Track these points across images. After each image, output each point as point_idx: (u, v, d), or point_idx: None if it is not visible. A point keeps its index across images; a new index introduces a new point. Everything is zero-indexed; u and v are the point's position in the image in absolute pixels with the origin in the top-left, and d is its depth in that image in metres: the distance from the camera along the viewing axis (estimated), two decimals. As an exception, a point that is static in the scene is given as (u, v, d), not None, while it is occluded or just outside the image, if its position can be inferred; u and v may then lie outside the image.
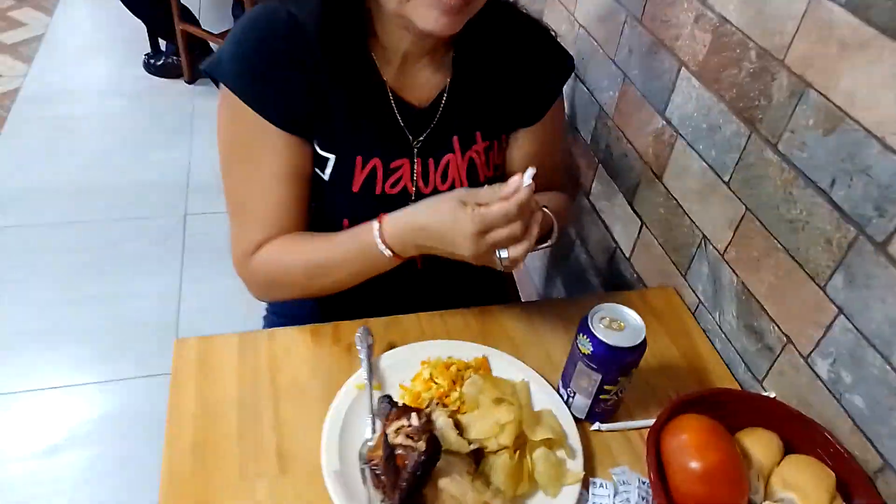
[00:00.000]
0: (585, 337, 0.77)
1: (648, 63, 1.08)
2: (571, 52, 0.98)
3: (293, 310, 1.08)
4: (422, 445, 0.68)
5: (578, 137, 1.37)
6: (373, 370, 0.84)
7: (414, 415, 0.72)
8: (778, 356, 0.85)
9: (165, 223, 2.26)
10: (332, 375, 0.84)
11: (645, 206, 1.14)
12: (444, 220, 0.75)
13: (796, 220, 0.80)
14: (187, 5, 2.82)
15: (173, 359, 0.86)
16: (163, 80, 3.02)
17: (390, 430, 0.71)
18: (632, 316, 0.78)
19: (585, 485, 0.76)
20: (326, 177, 0.89)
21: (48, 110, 2.74)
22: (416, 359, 0.87)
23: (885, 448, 0.71)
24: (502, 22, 0.89)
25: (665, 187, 1.07)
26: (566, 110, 1.32)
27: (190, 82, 3.00)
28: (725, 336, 0.95)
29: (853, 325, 0.73)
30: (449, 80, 0.90)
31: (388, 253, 0.80)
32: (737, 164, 0.89)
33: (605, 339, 0.75)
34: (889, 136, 0.66)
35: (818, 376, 0.79)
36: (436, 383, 0.83)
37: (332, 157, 0.88)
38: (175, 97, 2.90)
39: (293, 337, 0.91)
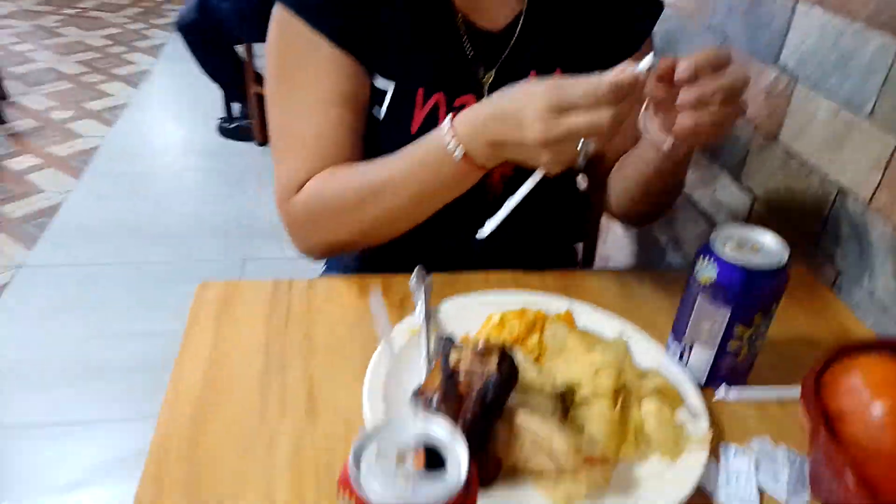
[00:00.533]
0: (708, 260, 0.59)
1: (753, 12, 0.95)
2: (659, 32, 0.87)
3: (343, 264, 0.94)
4: (492, 367, 0.51)
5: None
6: (430, 316, 0.68)
7: (481, 341, 0.55)
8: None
9: (223, 267, 2.19)
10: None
11: (756, 177, 0.97)
12: (515, 95, 0.60)
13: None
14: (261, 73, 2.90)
15: (192, 303, 0.72)
16: (235, 142, 3.07)
17: (451, 359, 0.54)
18: (768, 236, 0.61)
19: (715, 454, 0.57)
20: (381, 115, 0.77)
21: (123, 166, 2.79)
22: (483, 309, 0.70)
23: None
24: None
25: (783, 147, 0.90)
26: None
27: (261, 144, 3.04)
28: (882, 306, 0.75)
29: None
30: (525, 4, 0.79)
31: (457, 153, 0.64)
32: (881, 88, 0.73)
33: (735, 261, 0.58)
34: None
35: None
36: (504, 327, 0.66)
37: (391, 86, 0.76)
38: (245, 157, 2.94)
39: (335, 287, 0.76)
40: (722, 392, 0.63)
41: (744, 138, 0.98)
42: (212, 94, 3.06)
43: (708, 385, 0.64)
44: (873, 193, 0.75)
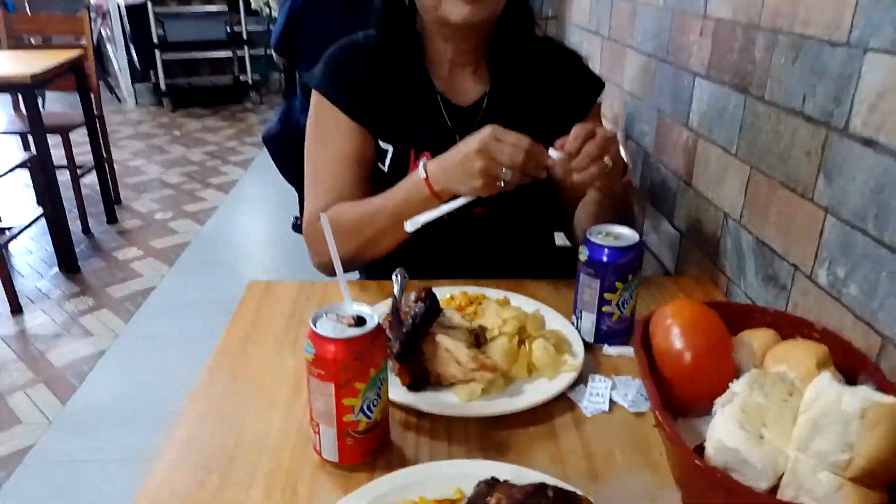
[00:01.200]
0: (584, 247, 0.85)
1: (674, 88, 1.23)
2: (623, 116, 1.15)
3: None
4: (420, 303, 0.77)
5: (632, 186, 1.49)
6: (403, 293, 0.95)
7: (423, 291, 0.81)
8: (791, 289, 0.86)
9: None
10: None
11: (681, 216, 1.21)
12: (468, 137, 0.88)
13: (784, 151, 0.86)
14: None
15: (243, 294, 1.02)
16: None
17: (401, 302, 0.81)
18: (626, 230, 0.86)
19: (585, 382, 0.79)
20: (386, 168, 1.08)
21: (209, 255, 3.24)
22: (444, 294, 0.96)
23: (881, 324, 0.69)
24: (537, 45, 1.07)
25: (694, 189, 1.15)
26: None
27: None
28: (750, 299, 0.96)
29: (838, 217, 0.76)
30: (489, 87, 1.10)
31: (421, 174, 0.91)
32: (740, 131, 0.98)
33: (598, 242, 0.83)
34: (834, 34, 0.76)
35: (821, 287, 0.79)
36: (454, 301, 0.92)
37: (390, 148, 1.07)
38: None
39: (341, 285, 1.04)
40: (606, 348, 0.86)
41: (674, 187, 1.23)
42: (290, 198, 3.54)
43: (597, 342, 0.87)
44: (741, 212, 0.98)
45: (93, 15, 5.40)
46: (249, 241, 3.48)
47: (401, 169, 1.06)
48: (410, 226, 0.89)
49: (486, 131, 0.85)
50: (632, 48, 1.45)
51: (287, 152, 3.44)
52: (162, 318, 2.64)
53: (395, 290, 0.94)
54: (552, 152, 0.85)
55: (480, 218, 1.05)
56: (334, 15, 2.88)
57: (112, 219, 3.52)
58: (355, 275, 1.25)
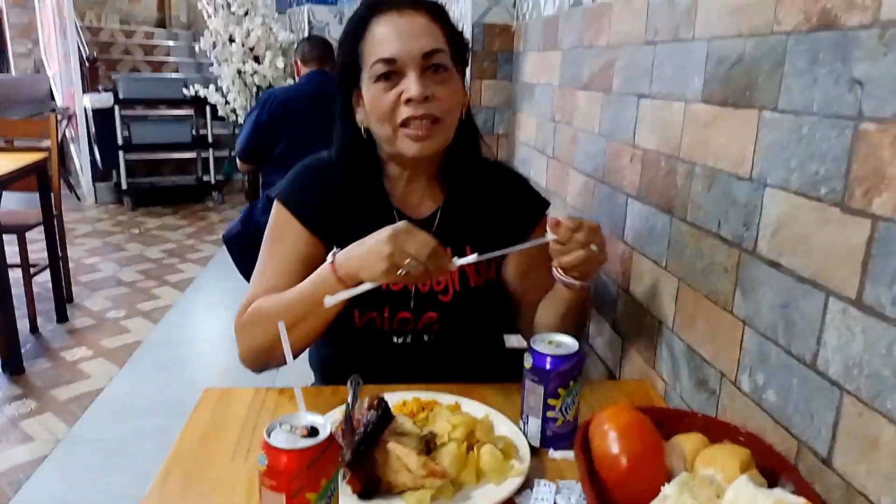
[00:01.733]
0: (528, 353, 0.91)
1: (610, 206, 1.34)
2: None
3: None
4: (372, 411, 0.81)
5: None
6: (356, 400, 0.98)
7: (376, 399, 0.85)
8: (719, 394, 0.93)
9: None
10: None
11: (622, 321, 1.29)
12: (379, 231, 0.93)
13: (707, 267, 0.96)
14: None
15: (198, 401, 1.04)
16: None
17: (355, 409, 0.84)
18: (567, 339, 0.92)
19: (532, 486, 0.82)
20: None
21: (162, 353, 3.19)
22: (398, 399, 0.99)
23: (796, 428, 0.76)
24: (486, 167, 1.17)
25: (631, 296, 1.23)
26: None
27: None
28: (686, 403, 1.02)
29: (754, 329, 0.84)
30: (442, 202, 1.18)
31: (329, 259, 0.97)
32: (668, 247, 1.08)
33: (541, 351, 0.89)
34: (739, 169, 0.87)
35: (744, 393, 0.86)
36: (406, 407, 0.95)
37: None
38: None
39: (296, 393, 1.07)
40: (552, 452, 0.90)
41: (613, 293, 1.32)
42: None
43: (543, 446, 0.91)
44: (673, 320, 1.06)
45: (59, 116, 5.51)
46: (204, 341, 3.44)
47: None
48: (329, 300, 0.93)
49: (400, 225, 0.92)
50: (574, 168, 1.58)
51: (247, 252, 3.49)
52: (109, 423, 2.56)
53: (349, 397, 0.98)
54: (549, 234, 0.94)
55: (431, 343, 1.12)
56: (297, 124, 3.02)
57: (63, 317, 3.45)
58: (310, 379, 1.27)
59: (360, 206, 1.13)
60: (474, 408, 0.98)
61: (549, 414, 0.90)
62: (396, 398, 0.98)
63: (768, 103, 0.81)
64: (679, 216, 1.05)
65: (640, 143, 1.20)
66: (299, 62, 3.21)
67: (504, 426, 0.94)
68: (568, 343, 0.91)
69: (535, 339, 0.92)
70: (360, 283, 0.93)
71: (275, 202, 1.15)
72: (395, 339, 1.12)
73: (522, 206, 1.18)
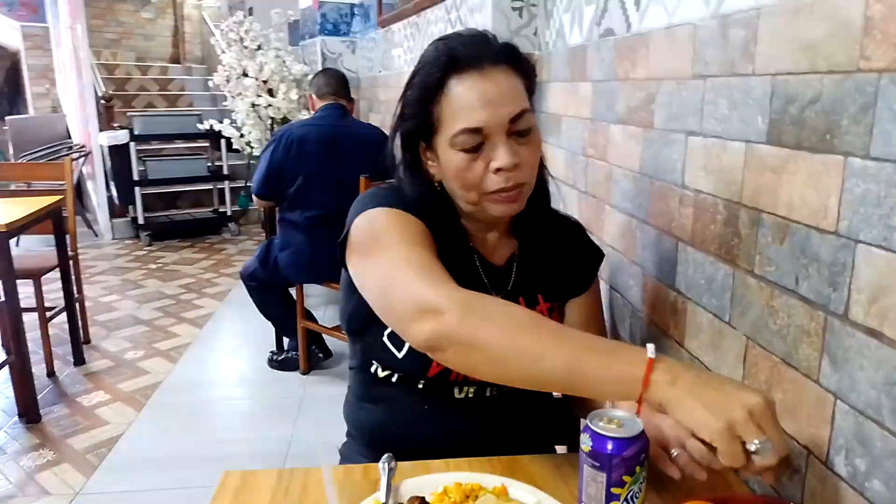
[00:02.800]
0: (586, 435, 0.80)
1: (658, 250, 1.24)
2: (606, 266, 1.18)
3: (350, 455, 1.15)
4: (415, 512, 0.71)
5: (621, 339, 1.46)
6: (391, 489, 0.88)
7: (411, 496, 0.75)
8: (805, 474, 0.82)
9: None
10: None
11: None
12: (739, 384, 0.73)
13: (783, 328, 0.85)
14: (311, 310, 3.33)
15: (217, 487, 0.94)
16: (281, 372, 3.39)
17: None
18: (629, 415, 0.82)
19: None
20: None
21: (181, 397, 3.12)
22: (437, 483, 0.89)
23: (915, 528, 0.65)
24: (549, 216, 1.11)
25: (687, 351, 1.13)
26: (607, 318, 1.44)
27: (304, 374, 3.35)
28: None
29: (849, 405, 0.73)
30: (516, 250, 1.09)
31: (647, 357, 0.72)
32: (731, 301, 0.98)
33: (602, 432, 0.78)
34: (821, 222, 0.77)
35: (840, 477, 0.75)
36: (448, 497, 0.85)
37: None
38: (289, 385, 3.23)
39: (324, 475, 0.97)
40: (616, 546, 0.79)
41: (664, 345, 1.21)
42: (266, 332, 3.46)
43: (605, 540, 0.80)
44: (742, 382, 0.96)
45: (75, 155, 5.53)
46: (222, 384, 3.36)
47: None
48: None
49: (767, 400, 0.66)
50: (611, 206, 1.49)
51: (264, 287, 3.43)
52: (126, 474, 2.47)
53: (383, 482, 0.88)
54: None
55: (494, 398, 1.05)
56: (314, 163, 2.97)
57: (80, 360, 3.39)
58: (336, 458, 1.18)
59: (442, 248, 0.98)
60: (523, 492, 0.88)
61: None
62: (435, 483, 0.88)
63: (857, 149, 0.71)
64: (744, 268, 0.94)
65: (691, 183, 1.10)
66: (314, 96, 3.16)
67: (559, 516, 0.83)
68: (631, 421, 0.81)
69: (593, 417, 0.81)
70: (664, 412, 0.70)
71: (374, 211, 0.98)
72: (456, 394, 1.05)
73: (583, 256, 1.15)
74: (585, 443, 0.80)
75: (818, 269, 0.78)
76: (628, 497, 0.79)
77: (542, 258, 1.09)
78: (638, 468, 0.79)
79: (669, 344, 1.20)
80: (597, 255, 1.16)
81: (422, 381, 1.04)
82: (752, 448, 0.63)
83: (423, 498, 0.72)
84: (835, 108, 0.75)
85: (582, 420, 0.80)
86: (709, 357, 1.06)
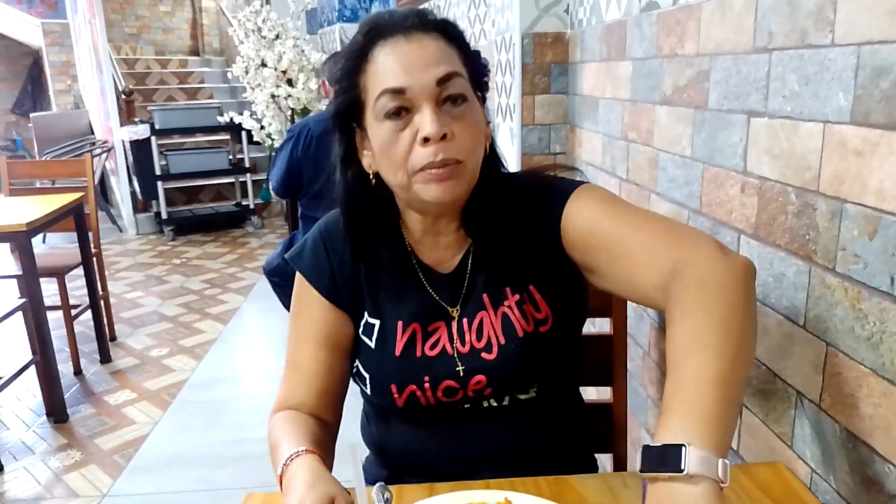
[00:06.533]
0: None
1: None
2: None
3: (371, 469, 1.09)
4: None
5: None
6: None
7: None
8: (904, 501, 0.71)
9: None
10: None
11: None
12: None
13: (873, 335, 0.75)
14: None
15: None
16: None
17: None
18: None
19: None
20: (373, 344, 0.96)
21: (206, 395, 3.08)
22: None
23: None
24: (499, 188, 0.95)
25: (750, 355, 1.02)
26: (654, 317, 1.34)
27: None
28: (844, 500, 0.81)
29: (965, 427, 0.63)
30: (469, 247, 0.96)
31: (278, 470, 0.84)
32: (807, 302, 0.87)
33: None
34: (925, 214, 0.66)
35: (951, 509, 0.65)
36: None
37: (377, 322, 0.96)
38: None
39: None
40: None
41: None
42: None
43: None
44: (820, 395, 0.85)
45: (97, 151, 5.52)
46: (247, 377, 3.31)
47: (389, 344, 0.95)
48: None
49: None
50: (657, 194, 1.38)
51: (288, 281, 3.37)
52: (153, 475, 2.43)
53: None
54: None
55: (493, 409, 0.96)
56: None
57: (106, 358, 3.37)
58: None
59: (379, 267, 0.96)
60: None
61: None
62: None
63: (973, 128, 0.61)
64: (823, 265, 0.84)
65: (754, 169, 0.99)
66: (327, 83, 3.07)
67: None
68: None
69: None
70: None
71: (295, 285, 1.01)
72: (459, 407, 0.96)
73: (544, 204, 0.94)
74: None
75: (922, 268, 0.67)
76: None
77: (502, 248, 0.94)
78: None
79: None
80: (560, 197, 0.93)
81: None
82: None
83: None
84: (944, 81, 0.64)
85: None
86: (777, 364, 0.96)
